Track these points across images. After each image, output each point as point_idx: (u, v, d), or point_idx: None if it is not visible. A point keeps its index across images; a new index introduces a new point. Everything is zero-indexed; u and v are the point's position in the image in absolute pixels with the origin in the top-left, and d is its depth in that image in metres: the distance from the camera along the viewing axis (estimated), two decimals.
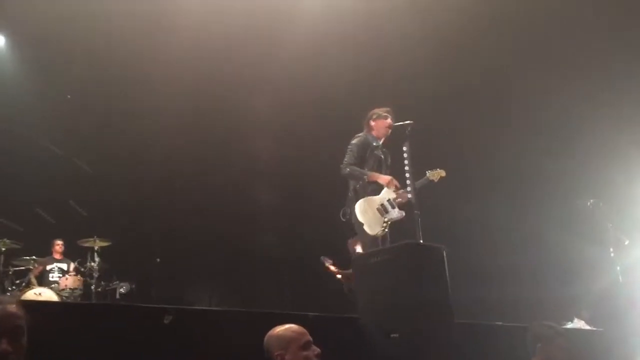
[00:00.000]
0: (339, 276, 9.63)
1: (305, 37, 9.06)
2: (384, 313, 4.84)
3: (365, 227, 6.01)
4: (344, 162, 6.31)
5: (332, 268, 9.67)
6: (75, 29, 9.12)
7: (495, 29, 9.18)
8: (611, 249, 7.64)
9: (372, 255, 5.37)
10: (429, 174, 6.29)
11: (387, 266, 4.95)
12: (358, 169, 6.25)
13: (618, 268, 7.52)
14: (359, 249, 9.76)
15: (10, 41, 9.94)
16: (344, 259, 6.44)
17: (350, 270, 9.43)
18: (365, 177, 6.21)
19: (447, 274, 5.03)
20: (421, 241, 5.53)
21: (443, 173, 6.32)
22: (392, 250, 5.23)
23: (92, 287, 8.81)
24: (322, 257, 9.82)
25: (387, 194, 6.20)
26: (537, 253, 9.59)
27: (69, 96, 10.20)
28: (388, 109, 6.51)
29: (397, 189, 6.17)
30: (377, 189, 6.26)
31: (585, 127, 9.39)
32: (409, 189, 6.11)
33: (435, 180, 6.30)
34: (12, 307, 2.37)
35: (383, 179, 6.22)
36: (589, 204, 7.84)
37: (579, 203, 8.02)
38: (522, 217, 9.53)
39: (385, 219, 6.07)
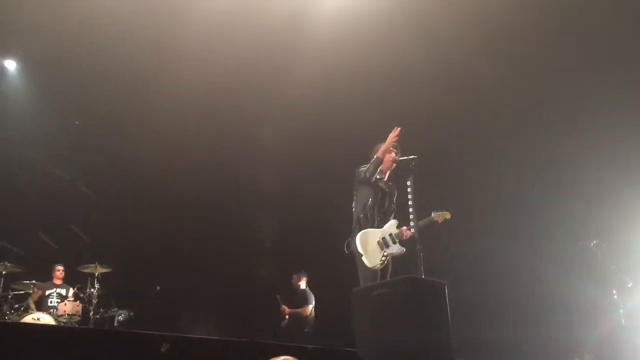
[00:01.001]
0: (287, 312, 9.54)
1: (313, 65, 9.16)
2: (383, 348, 4.79)
3: (364, 259, 6.00)
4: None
5: (284, 307, 9.56)
6: (86, 56, 9.25)
7: (503, 63, 9.24)
8: (614, 291, 7.56)
9: (374, 288, 5.34)
10: (434, 214, 6.29)
11: (388, 300, 4.93)
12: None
13: (621, 311, 7.44)
14: (303, 285, 9.73)
15: (21, 66, 10.06)
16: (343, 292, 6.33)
17: (300, 310, 9.40)
18: (375, 157, 6.32)
19: (448, 310, 5.00)
20: (423, 276, 5.51)
21: (448, 215, 6.32)
22: (393, 284, 5.21)
23: (91, 314, 8.74)
24: (278, 296, 9.75)
25: (389, 229, 6.20)
26: (539, 293, 9.49)
27: (76, 122, 10.27)
28: (394, 143, 6.52)
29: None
30: (381, 222, 6.25)
31: (589, 167, 9.38)
32: (412, 224, 6.11)
33: (440, 222, 6.30)
34: None
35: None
36: (592, 245, 7.79)
37: (582, 244, 7.98)
38: (525, 257, 9.45)
39: (385, 253, 6.06)
